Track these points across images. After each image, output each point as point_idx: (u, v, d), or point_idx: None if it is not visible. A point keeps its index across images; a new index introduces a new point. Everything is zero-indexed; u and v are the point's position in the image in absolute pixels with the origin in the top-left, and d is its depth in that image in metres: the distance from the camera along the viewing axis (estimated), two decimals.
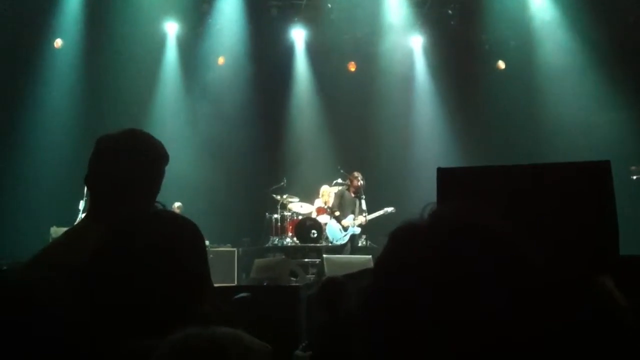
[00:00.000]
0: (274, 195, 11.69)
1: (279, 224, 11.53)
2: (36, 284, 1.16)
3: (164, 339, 1.16)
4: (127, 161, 2.18)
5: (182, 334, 1.16)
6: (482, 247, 0.87)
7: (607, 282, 1.35)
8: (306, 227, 10.94)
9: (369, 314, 0.90)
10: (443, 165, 2.13)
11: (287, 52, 13.65)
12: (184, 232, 1.45)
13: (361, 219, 10.42)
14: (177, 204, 10.97)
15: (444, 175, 2.01)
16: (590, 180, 1.97)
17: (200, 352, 1.15)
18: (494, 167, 2.18)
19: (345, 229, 10.50)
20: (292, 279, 8.77)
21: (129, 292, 1.29)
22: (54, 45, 12.24)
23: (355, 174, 10.58)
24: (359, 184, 10.46)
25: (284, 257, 10.16)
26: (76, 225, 3.25)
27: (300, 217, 11.47)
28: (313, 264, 10.27)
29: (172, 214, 1.56)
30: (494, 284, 0.83)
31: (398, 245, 0.93)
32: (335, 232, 10.56)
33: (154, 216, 1.48)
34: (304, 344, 4.78)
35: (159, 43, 13.04)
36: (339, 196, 10.70)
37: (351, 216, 10.49)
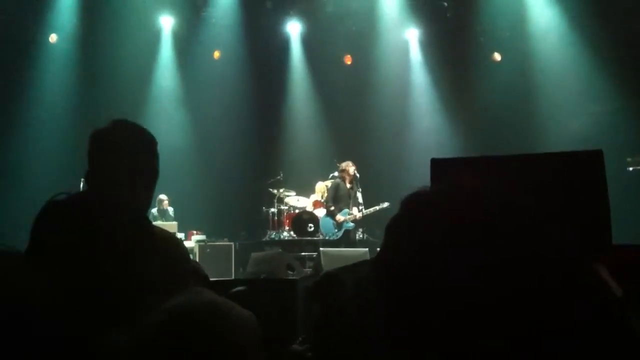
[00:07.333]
0: (271, 189, 11.69)
1: (276, 217, 11.54)
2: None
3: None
4: (116, 155, 2.18)
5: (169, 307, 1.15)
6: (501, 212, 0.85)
7: (602, 271, 1.35)
8: (303, 220, 10.93)
9: (380, 285, 0.88)
10: (439, 157, 2.13)
11: (283, 46, 13.62)
12: (120, 214, 1.42)
13: (356, 212, 10.39)
14: (163, 197, 10.94)
15: (438, 166, 2.02)
16: (582, 170, 1.98)
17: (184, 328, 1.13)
18: (487, 157, 2.19)
19: (339, 225, 10.46)
20: (289, 272, 8.75)
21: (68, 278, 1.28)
22: (49, 40, 12.19)
23: (345, 163, 10.46)
24: (352, 172, 10.34)
25: (280, 250, 10.15)
26: None
27: (297, 211, 11.46)
28: (310, 258, 10.27)
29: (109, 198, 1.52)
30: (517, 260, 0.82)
31: (408, 212, 0.91)
32: (329, 227, 10.51)
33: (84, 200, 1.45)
34: (300, 338, 4.78)
35: (154, 37, 13.02)
36: (334, 188, 10.57)
37: (346, 210, 10.40)
